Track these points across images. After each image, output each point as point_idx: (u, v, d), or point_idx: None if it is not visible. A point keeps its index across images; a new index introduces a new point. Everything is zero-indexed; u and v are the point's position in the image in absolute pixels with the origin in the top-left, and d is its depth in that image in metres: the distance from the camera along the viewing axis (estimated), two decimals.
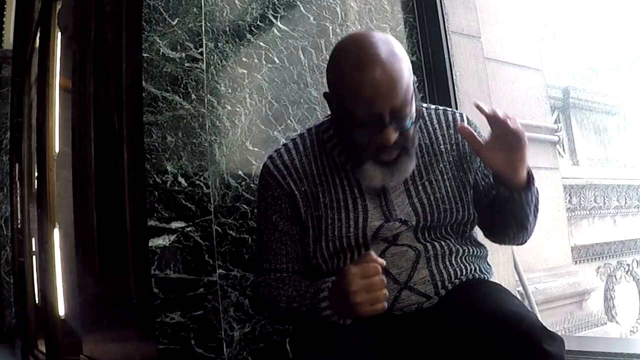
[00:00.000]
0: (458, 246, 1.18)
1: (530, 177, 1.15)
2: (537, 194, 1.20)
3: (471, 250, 1.21)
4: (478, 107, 1.10)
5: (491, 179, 1.22)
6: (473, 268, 1.20)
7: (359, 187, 1.16)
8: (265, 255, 1.21)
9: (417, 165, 1.16)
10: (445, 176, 1.19)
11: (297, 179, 1.18)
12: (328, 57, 1.41)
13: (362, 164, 1.10)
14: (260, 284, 1.21)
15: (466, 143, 1.20)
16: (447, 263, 1.15)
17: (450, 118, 1.24)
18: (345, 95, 1.07)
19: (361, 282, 0.99)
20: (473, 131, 1.13)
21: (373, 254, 1.02)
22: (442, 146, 1.21)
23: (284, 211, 1.18)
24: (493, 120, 1.09)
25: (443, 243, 1.16)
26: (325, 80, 1.28)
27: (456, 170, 1.20)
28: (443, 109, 1.26)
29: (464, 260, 1.19)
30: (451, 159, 1.20)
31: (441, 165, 1.19)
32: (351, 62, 1.06)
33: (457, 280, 1.17)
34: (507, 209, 1.18)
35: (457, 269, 1.17)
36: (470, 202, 1.20)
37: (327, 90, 1.17)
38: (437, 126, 1.23)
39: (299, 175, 1.18)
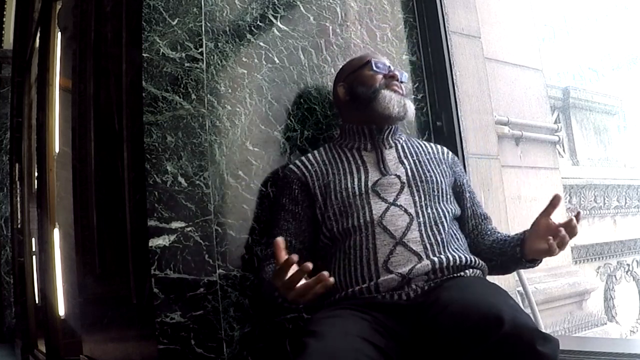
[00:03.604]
0: (447, 223, 1.37)
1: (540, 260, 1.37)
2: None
3: (457, 235, 1.40)
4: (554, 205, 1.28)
5: (476, 209, 1.51)
6: (461, 244, 1.38)
7: (362, 159, 1.45)
8: (271, 231, 1.45)
9: (409, 149, 1.49)
10: (432, 164, 1.47)
11: (308, 165, 1.48)
12: (328, 57, 1.75)
13: (381, 92, 1.45)
14: (262, 266, 1.40)
15: (449, 158, 1.52)
16: (435, 230, 1.34)
17: (436, 145, 1.59)
18: (367, 59, 1.51)
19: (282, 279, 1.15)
20: (555, 208, 1.28)
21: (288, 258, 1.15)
22: (428, 148, 1.53)
23: (293, 192, 1.44)
24: (550, 231, 1.25)
25: (435, 215, 1.36)
26: (324, 80, 1.67)
27: (438, 165, 1.48)
28: None
29: (451, 233, 1.37)
30: (435, 157, 1.50)
31: (427, 157, 1.49)
32: (357, 56, 1.62)
33: (452, 266, 1.29)
34: (506, 263, 1.40)
35: (445, 238, 1.34)
36: (451, 184, 1.48)
37: (333, 95, 1.58)
38: (424, 143, 1.57)
39: (310, 163, 1.48)
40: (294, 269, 1.13)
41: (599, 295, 4.62)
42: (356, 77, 1.50)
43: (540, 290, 3.09)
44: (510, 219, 2.82)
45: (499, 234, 1.46)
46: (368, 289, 1.27)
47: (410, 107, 1.48)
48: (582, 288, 3.49)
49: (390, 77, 1.48)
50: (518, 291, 2.73)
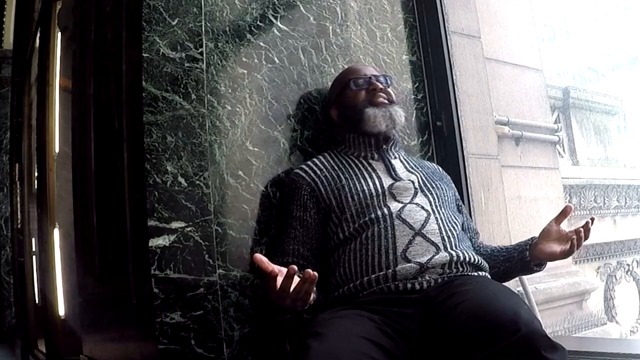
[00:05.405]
0: (459, 225, 1.42)
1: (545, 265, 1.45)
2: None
3: (466, 239, 1.44)
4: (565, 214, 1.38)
5: (470, 223, 1.58)
6: (470, 246, 1.42)
7: (371, 166, 1.47)
8: (281, 239, 1.46)
9: (411, 163, 1.52)
10: (435, 177, 1.51)
11: (317, 170, 1.48)
12: (328, 57, 1.77)
13: (365, 111, 1.46)
14: None
15: (445, 175, 1.59)
16: (452, 226, 1.38)
17: (432, 163, 1.68)
18: (347, 80, 1.53)
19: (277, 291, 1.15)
20: (566, 217, 1.39)
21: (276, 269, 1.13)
22: (427, 164, 1.60)
23: (301, 198, 1.44)
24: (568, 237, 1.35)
25: (449, 216, 1.41)
26: (324, 80, 1.71)
27: (440, 180, 1.51)
28: None
29: (462, 234, 1.41)
30: (435, 172, 1.55)
31: (429, 171, 1.53)
32: (344, 70, 1.64)
33: (468, 263, 1.32)
34: (510, 269, 1.45)
35: (459, 236, 1.38)
36: (452, 197, 1.52)
37: (327, 118, 1.63)
38: (420, 160, 1.64)
39: (318, 168, 1.48)
40: (280, 278, 1.13)
41: (599, 295, 4.62)
42: (341, 100, 1.53)
43: (541, 290, 3.09)
44: (510, 219, 2.82)
45: (496, 245, 1.53)
46: (385, 277, 1.28)
47: (399, 115, 1.49)
48: (582, 288, 3.49)
49: (372, 91, 1.49)
50: (518, 291, 2.73)
